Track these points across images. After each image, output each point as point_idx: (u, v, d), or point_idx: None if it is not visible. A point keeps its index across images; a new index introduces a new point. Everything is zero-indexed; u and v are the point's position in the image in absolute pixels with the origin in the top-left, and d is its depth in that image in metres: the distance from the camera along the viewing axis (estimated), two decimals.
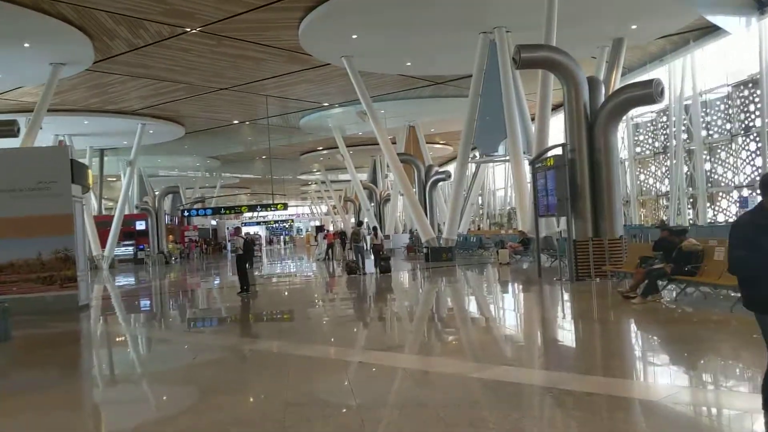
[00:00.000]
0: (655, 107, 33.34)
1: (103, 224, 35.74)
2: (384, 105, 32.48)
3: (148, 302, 17.76)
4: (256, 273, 25.28)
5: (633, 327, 9.02)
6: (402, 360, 7.05)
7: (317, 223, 65.83)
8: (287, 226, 78.84)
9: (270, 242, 68.74)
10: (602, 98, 14.12)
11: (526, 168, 22.19)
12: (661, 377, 6.32)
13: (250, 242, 15.44)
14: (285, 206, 36.14)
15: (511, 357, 7.29)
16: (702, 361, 6.86)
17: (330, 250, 29.17)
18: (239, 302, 14.29)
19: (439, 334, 9.28)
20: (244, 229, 64.84)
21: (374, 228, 24.71)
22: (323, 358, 7.29)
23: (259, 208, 37.80)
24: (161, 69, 24.80)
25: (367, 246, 24.74)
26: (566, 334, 8.88)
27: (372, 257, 21.43)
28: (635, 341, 8.29)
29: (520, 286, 15.42)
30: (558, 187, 13.67)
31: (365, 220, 36.30)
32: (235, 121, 36.79)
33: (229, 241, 48.43)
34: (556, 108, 30.29)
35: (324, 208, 79.74)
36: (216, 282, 22.97)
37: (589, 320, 9.81)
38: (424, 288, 17.25)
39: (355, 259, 20.14)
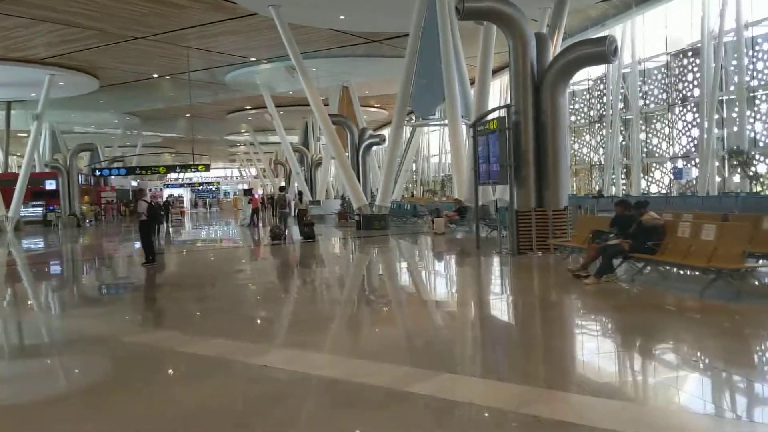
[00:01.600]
0: (593, 72, 32.91)
1: (9, 183, 32.69)
2: (316, 63, 30.63)
3: (31, 272, 15.37)
4: (176, 239, 23.57)
5: (586, 312, 7.98)
6: (315, 362, 5.64)
7: (245, 187, 63.32)
8: (214, 189, 75.89)
9: (195, 205, 65.84)
10: (550, 57, 12.97)
11: (464, 133, 21.09)
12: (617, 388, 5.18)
13: (156, 206, 13.57)
14: (207, 167, 33.92)
15: (443, 356, 5.98)
16: (668, 357, 5.84)
17: (255, 216, 27.44)
18: (141, 275, 12.59)
19: (362, 323, 7.92)
20: (167, 192, 62.46)
21: (299, 193, 23.90)
22: (217, 359, 5.79)
23: (179, 169, 35.22)
24: (69, 12, 22.18)
25: (293, 211, 23.59)
26: (509, 325, 7.70)
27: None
28: (588, 330, 7.21)
29: (457, 259, 14.32)
30: (501, 153, 12.50)
31: (295, 185, 34.63)
32: (155, 75, 34.07)
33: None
34: (496, 72, 29.36)
35: (254, 171, 77.16)
36: (123, 249, 20.86)
37: (535, 304, 8.71)
38: (351, 260, 15.97)
39: (279, 224, 19.74)
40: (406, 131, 36.23)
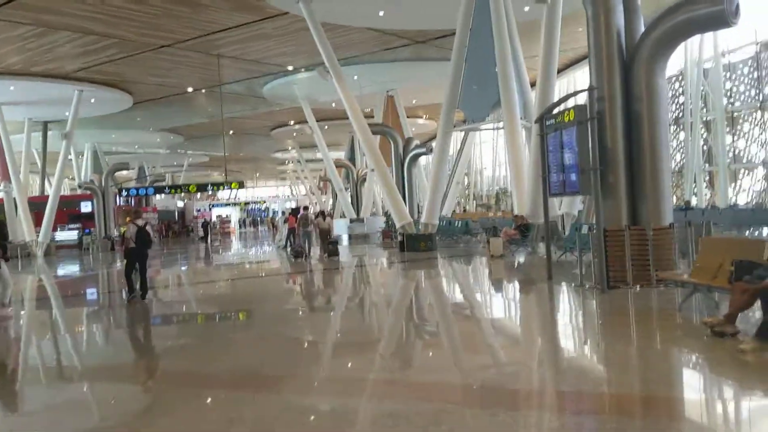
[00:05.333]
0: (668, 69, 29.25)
1: (45, 206, 31.31)
2: (357, 69, 28.19)
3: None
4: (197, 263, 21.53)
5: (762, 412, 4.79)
6: None
7: (293, 205, 61.37)
8: (263, 208, 74.38)
9: (243, 225, 64.29)
10: (641, 27, 9.86)
11: (523, 137, 18.06)
12: None
13: (145, 231, 10.96)
14: (241, 185, 31.68)
15: None
16: None
17: (292, 236, 24.92)
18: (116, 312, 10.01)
19: (383, 397, 5.07)
20: (215, 211, 61.14)
21: (321, 212, 23.11)
22: None
23: (210, 187, 33.18)
24: (79, 17, 20.25)
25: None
26: None
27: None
28: None
29: (524, 297, 11.04)
30: (581, 153, 9.38)
31: (313, 204, 32.17)
32: (189, 89, 32.18)
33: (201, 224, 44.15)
34: (561, 71, 26.16)
35: (302, 189, 75.46)
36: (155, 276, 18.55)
37: (671, 393, 5.23)
38: (381, 292, 12.96)
39: (302, 243, 20.13)
40: (456, 139, 33.31)
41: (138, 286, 11.28)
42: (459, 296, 11.87)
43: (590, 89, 9.37)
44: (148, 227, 11.48)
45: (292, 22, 21.62)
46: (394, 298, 11.84)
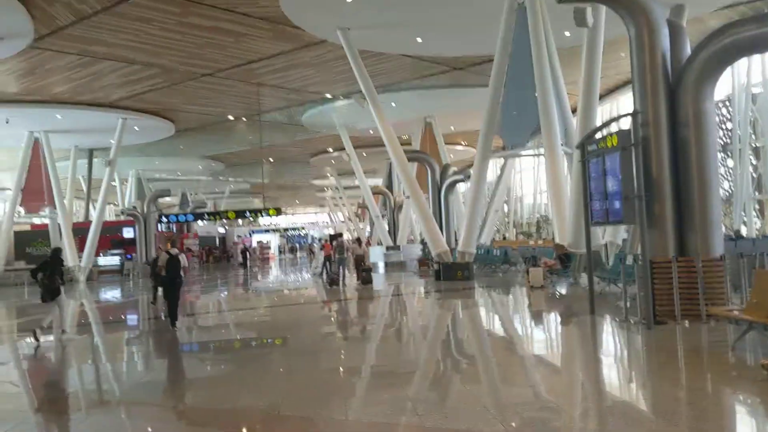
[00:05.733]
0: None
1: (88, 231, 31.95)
2: (395, 97, 28.17)
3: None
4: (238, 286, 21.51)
5: None
6: None
7: (331, 232, 61.48)
8: (303, 234, 74.68)
9: (282, 251, 64.61)
10: (688, 50, 9.45)
11: (565, 163, 17.61)
12: None
13: (176, 260, 10.84)
14: (278, 212, 31.71)
15: None
16: None
17: (328, 263, 24.74)
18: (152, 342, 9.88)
19: None
20: (256, 238, 61.65)
21: (356, 239, 23.79)
22: None
23: (248, 214, 33.35)
24: (124, 47, 20.72)
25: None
26: None
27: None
28: None
29: (565, 331, 10.51)
30: (624, 180, 8.94)
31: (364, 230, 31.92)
32: (230, 117, 32.60)
33: (241, 251, 44.51)
34: (603, 97, 25.63)
35: (341, 216, 75.64)
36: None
37: None
38: (411, 325, 12.49)
39: (336, 270, 20.77)
40: (495, 165, 32.95)
41: (166, 315, 11.17)
42: (494, 332, 11.27)
43: (634, 114, 8.96)
44: (181, 256, 11.36)
45: (330, 51, 21.75)
46: (425, 331, 11.31)
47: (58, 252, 11.53)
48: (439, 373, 7.83)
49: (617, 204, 9.27)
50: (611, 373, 7.28)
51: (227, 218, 36.20)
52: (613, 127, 10.19)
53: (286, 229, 68.85)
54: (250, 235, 63.60)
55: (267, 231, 65.39)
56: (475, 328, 11.54)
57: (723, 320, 8.05)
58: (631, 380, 6.87)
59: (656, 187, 8.96)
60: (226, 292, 23.46)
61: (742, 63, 25.57)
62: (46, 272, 10.52)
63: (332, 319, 13.91)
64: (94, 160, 38.79)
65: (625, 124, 10.03)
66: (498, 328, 11.40)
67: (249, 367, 8.32)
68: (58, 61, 21.75)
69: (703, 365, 7.22)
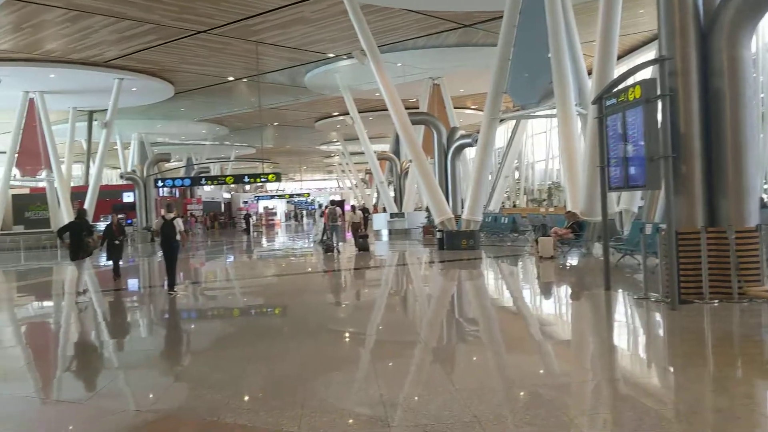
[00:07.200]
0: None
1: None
2: (401, 56, 26.88)
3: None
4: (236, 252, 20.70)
5: None
6: None
7: (336, 198, 60.42)
8: (310, 201, 73.75)
9: (288, 218, 63.86)
10: None
11: (578, 125, 16.43)
12: None
13: (170, 225, 10.54)
14: (278, 178, 30.68)
15: None
16: None
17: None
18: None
19: None
20: (262, 204, 60.85)
21: (352, 206, 23.43)
22: None
23: (246, 179, 32.41)
24: (112, 0, 19.56)
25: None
26: None
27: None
28: None
29: (576, 311, 9.23)
30: (648, 138, 7.81)
31: (371, 197, 30.87)
32: (230, 78, 31.46)
33: (243, 216, 43.80)
34: (621, 58, 24.24)
35: (348, 182, 74.61)
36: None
37: None
38: (400, 300, 11.30)
39: (330, 237, 20.35)
40: (506, 129, 31.66)
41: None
42: (491, 313, 9.54)
43: (661, 60, 7.73)
44: (177, 221, 11.14)
45: (332, 5, 20.52)
46: (417, 308, 10.05)
47: (83, 213, 12.10)
48: (418, 377, 6.85)
49: (636, 168, 8.15)
50: (628, 360, 6.25)
51: (225, 183, 35.18)
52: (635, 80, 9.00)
53: (291, 195, 67.85)
54: (256, 200, 62.79)
55: (272, 197, 64.42)
56: (472, 308, 10.23)
57: (758, 300, 7.00)
58: (651, 369, 5.86)
59: (684, 146, 7.81)
60: (216, 259, 22.63)
61: (766, 21, 23.98)
62: (73, 233, 10.82)
63: (323, 288, 12.94)
64: (94, 122, 37.87)
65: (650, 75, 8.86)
66: (498, 307, 9.95)
67: (226, 342, 7.42)
68: (45, 14, 20.65)
69: (734, 351, 6.17)
